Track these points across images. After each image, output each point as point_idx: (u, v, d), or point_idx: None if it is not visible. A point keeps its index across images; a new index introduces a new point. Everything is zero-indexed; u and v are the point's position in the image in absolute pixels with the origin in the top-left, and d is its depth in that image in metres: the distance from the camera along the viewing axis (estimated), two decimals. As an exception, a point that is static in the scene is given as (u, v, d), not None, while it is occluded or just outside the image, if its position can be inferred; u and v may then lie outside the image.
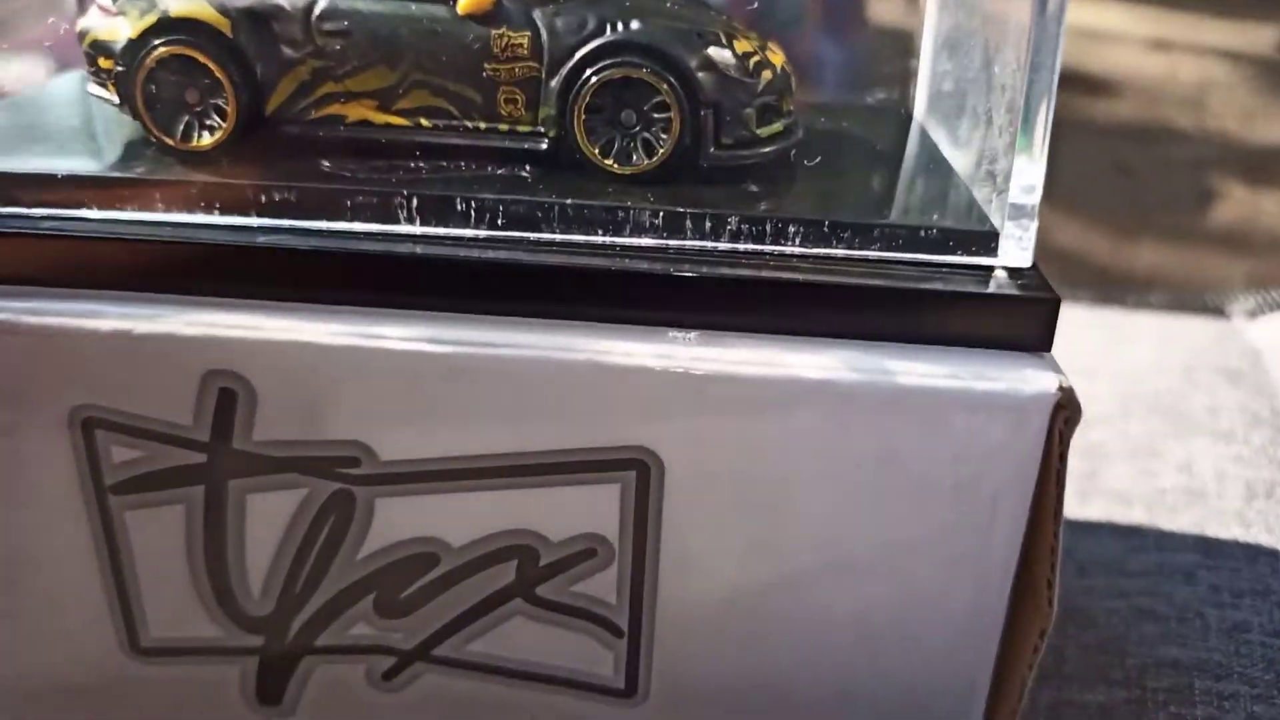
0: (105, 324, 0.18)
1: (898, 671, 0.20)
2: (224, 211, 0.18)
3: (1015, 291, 0.17)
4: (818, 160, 0.20)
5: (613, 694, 0.20)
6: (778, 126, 0.20)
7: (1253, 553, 0.27)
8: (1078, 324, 0.39)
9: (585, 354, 0.17)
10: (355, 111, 0.19)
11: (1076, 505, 0.29)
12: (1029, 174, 0.18)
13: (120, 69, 0.19)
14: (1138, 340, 0.37)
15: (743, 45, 0.19)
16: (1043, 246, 0.18)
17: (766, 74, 0.19)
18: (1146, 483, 0.30)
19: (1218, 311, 0.39)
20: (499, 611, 0.20)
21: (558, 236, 0.18)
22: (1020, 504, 0.18)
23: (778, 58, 0.20)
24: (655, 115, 0.18)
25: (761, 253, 0.18)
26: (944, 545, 0.18)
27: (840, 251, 0.18)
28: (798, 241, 0.18)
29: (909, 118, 0.24)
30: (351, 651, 0.20)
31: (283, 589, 0.19)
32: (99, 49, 0.19)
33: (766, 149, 0.19)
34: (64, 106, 0.21)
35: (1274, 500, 0.29)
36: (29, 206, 0.18)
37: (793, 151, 0.20)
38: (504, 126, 0.19)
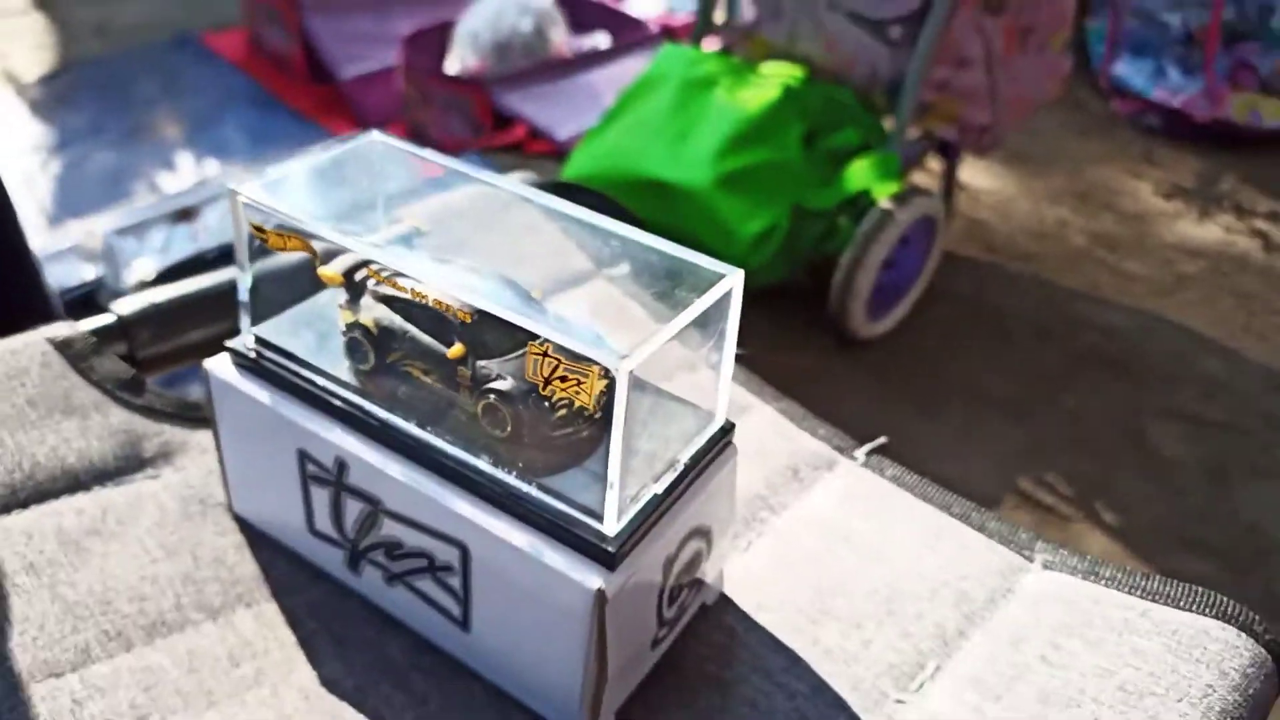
0: (305, 422, 0.48)
1: (554, 681, 0.46)
2: (361, 395, 0.47)
3: (596, 543, 0.42)
4: (592, 439, 0.45)
5: (459, 623, 0.48)
6: (573, 428, 0.44)
7: None
8: (906, 519, 0.57)
9: (450, 502, 0.45)
10: (414, 370, 0.47)
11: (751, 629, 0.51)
12: (614, 469, 0.41)
13: (344, 331, 0.48)
14: (936, 550, 0.56)
15: (560, 391, 0.44)
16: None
17: (563, 411, 0.44)
18: (793, 638, 0.51)
19: (1026, 553, 0.55)
20: (424, 575, 0.48)
21: (457, 452, 0.45)
22: (588, 635, 0.43)
23: (589, 396, 0.44)
24: (505, 415, 0.44)
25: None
26: (557, 641, 0.44)
27: (547, 500, 0.43)
28: (535, 488, 0.43)
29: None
30: (379, 566, 0.50)
31: (355, 531, 0.50)
32: (342, 318, 0.49)
33: (562, 438, 0.45)
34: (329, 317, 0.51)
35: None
36: (288, 366, 0.49)
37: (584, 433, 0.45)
38: (464, 398, 0.46)
